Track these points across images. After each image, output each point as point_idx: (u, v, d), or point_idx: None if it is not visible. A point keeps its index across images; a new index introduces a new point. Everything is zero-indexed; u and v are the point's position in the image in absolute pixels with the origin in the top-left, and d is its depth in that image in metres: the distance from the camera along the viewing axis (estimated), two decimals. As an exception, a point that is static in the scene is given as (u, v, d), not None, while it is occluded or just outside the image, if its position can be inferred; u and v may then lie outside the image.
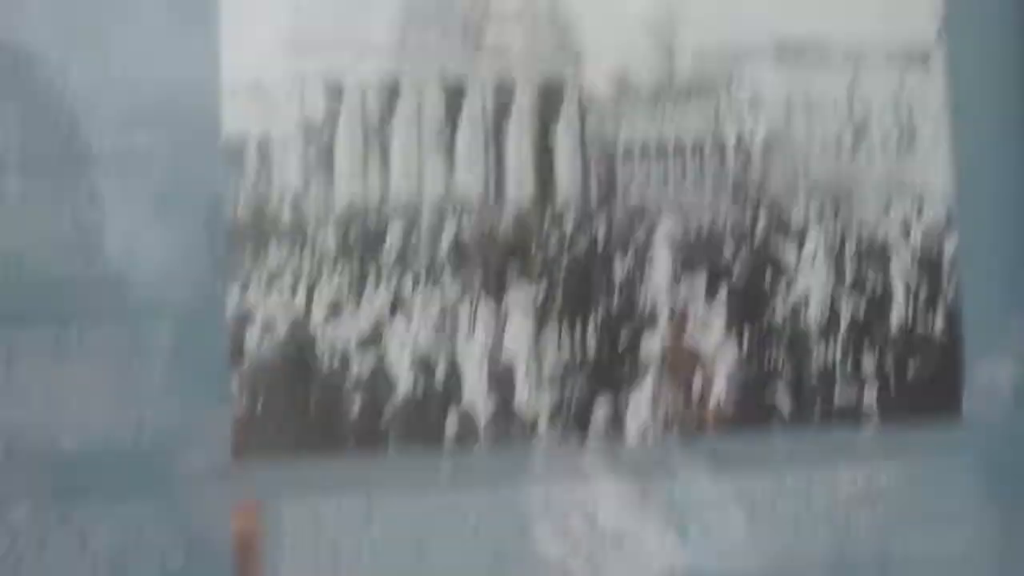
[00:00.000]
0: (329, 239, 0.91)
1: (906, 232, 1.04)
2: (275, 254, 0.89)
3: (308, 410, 0.88)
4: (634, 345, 0.96)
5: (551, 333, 0.95)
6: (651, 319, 0.97)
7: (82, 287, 0.87)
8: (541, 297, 0.95)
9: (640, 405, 0.95)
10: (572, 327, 0.96)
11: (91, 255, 0.88)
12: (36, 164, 0.85)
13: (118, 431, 0.83)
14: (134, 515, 0.82)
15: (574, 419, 0.94)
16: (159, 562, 0.82)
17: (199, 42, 0.88)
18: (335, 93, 0.94)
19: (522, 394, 0.93)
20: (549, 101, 0.99)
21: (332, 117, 0.94)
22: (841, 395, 0.99)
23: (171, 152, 0.85)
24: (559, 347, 0.95)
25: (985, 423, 1.03)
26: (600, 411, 0.94)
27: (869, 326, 1.02)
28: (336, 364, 0.90)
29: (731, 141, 1.01)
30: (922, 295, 1.03)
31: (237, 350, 0.87)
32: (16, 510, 0.80)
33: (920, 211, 1.04)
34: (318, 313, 0.90)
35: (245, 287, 0.87)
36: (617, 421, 0.94)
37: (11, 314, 0.82)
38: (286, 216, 0.91)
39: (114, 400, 0.87)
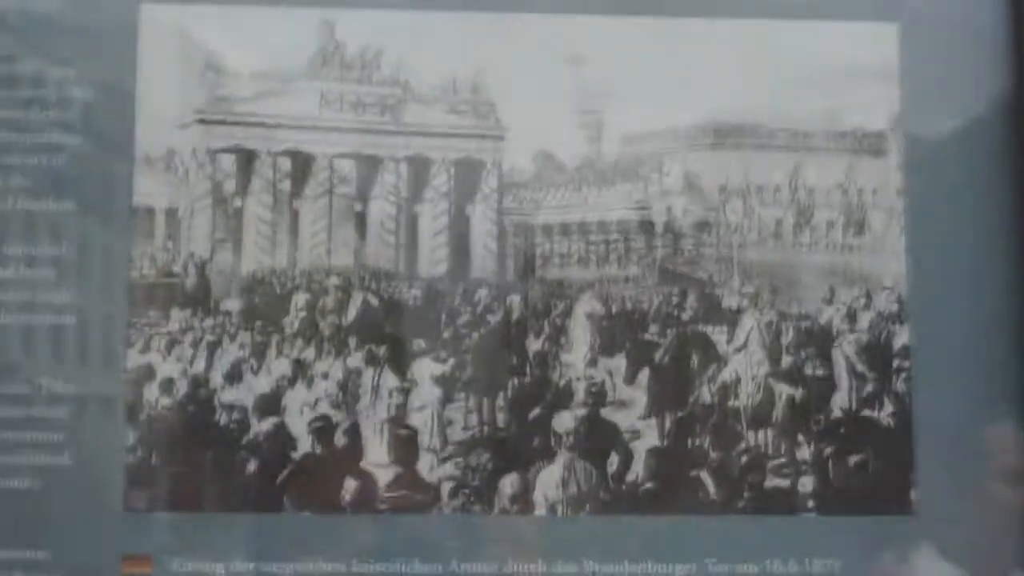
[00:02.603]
0: (233, 305, 1.59)
1: (852, 320, 1.63)
2: (177, 317, 1.55)
3: (203, 468, 1.51)
4: (546, 421, 1.56)
5: (459, 404, 1.58)
6: (566, 395, 1.58)
7: None
8: (449, 369, 1.57)
9: (550, 481, 1.53)
10: (481, 400, 1.58)
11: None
12: None
13: (13, 477, 1.49)
14: (24, 561, 1.46)
15: (479, 491, 1.53)
16: None
17: (115, 111, 1.57)
18: (247, 164, 1.63)
19: (427, 463, 1.54)
20: (467, 178, 1.65)
21: (243, 187, 1.62)
22: (774, 482, 1.56)
23: (80, 217, 1.54)
24: (467, 418, 1.57)
25: (940, 515, 1.56)
26: (507, 484, 1.53)
27: (807, 413, 1.59)
28: (234, 425, 1.54)
29: (660, 221, 1.62)
30: (869, 386, 1.61)
31: (135, 407, 1.51)
32: None
33: (868, 299, 1.63)
34: (218, 375, 1.56)
35: (146, 347, 1.53)
36: (525, 496, 1.53)
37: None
38: (190, 282, 1.57)
39: (11, 446, 1.49)
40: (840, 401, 1.65)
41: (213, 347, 1.57)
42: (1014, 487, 1.59)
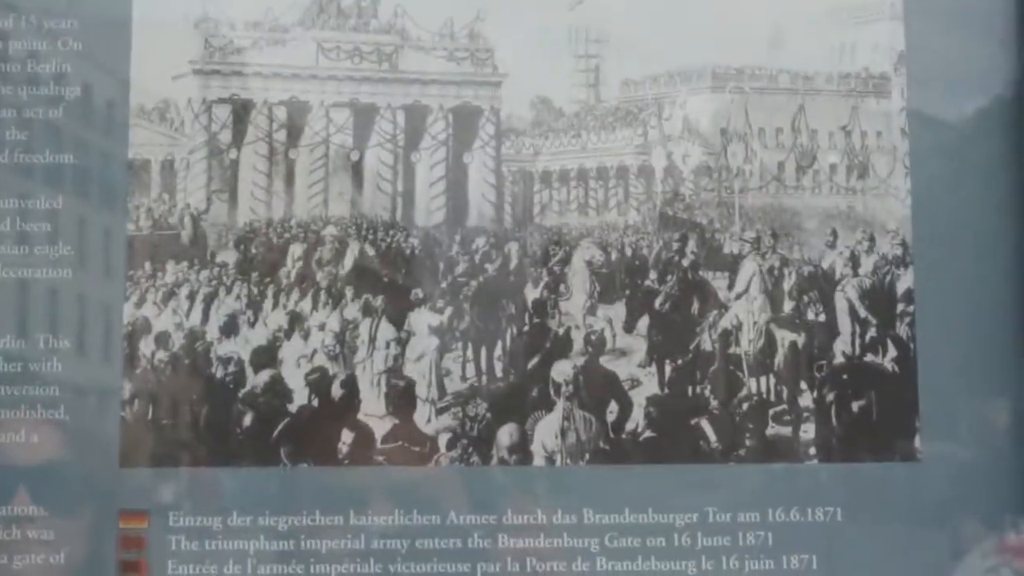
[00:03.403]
0: (229, 257, 1.55)
1: (854, 264, 1.59)
2: (173, 269, 1.52)
3: (199, 421, 1.49)
4: (545, 370, 1.53)
5: (456, 354, 1.54)
6: (565, 344, 1.55)
7: None
8: (446, 319, 1.54)
9: (549, 431, 1.51)
10: (479, 350, 1.54)
11: None
12: None
13: (8, 431, 1.45)
14: (20, 517, 1.43)
15: (477, 442, 1.50)
16: (43, 561, 1.42)
17: (109, 64, 1.54)
18: (242, 115, 1.58)
19: (423, 414, 1.52)
20: (465, 125, 1.61)
21: (238, 138, 1.58)
22: (775, 429, 1.54)
23: (76, 169, 1.51)
24: (463, 368, 1.54)
25: (945, 461, 1.55)
26: (505, 435, 1.50)
27: (809, 359, 1.56)
28: (230, 378, 1.50)
29: (660, 166, 1.59)
30: (872, 330, 1.58)
31: (131, 360, 1.48)
32: None
33: (872, 243, 1.60)
34: (214, 328, 1.52)
35: (142, 300, 1.50)
36: (523, 446, 1.50)
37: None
38: (186, 232, 1.54)
39: (6, 401, 1.46)
40: (842, 346, 1.62)
41: (209, 299, 1.55)
42: None
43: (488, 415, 1.55)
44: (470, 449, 1.55)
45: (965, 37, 1.66)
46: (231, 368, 1.54)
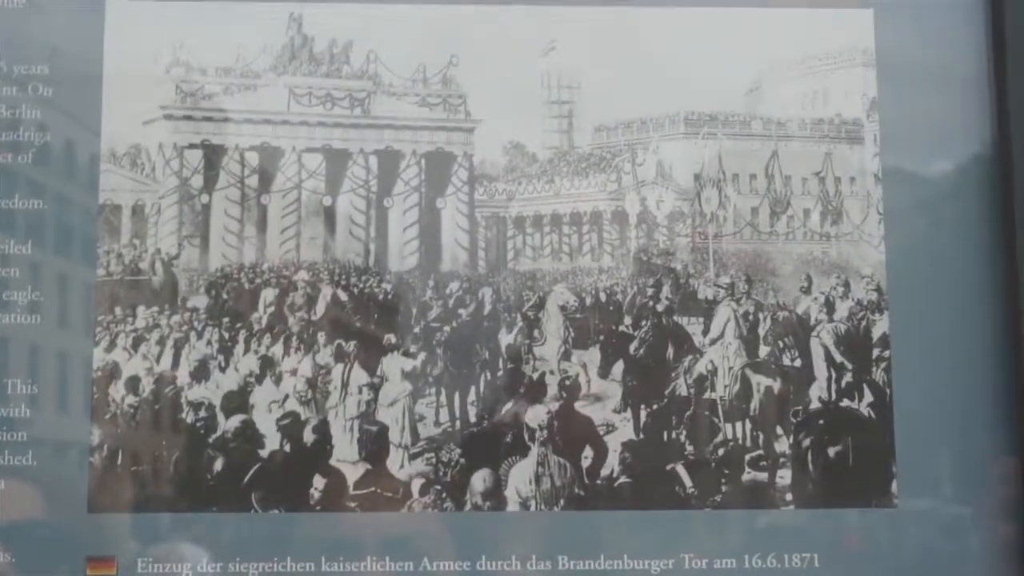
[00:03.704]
0: (200, 302, 1.55)
1: (830, 309, 1.60)
2: (144, 314, 1.53)
3: (169, 467, 1.48)
4: (519, 415, 1.53)
5: (430, 399, 1.55)
6: (539, 389, 1.55)
7: None
8: (420, 364, 1.55)
9: (523, 476, 1.51)
10: (453, 395, 1.55)
11: None
12: None
13: None
14: None
15: (450, 487, 1.51)
16: None
17: (80, 109, 1.55)
18: (214, 160, 1.59)
19: (396, 459, 1.53)
20: (438, 171, 1.62)
21: (210, 183, 1.59)
22: (751, 475, 1.53)
23: (47, 215, 1.52)
24: (438, 413, 1.55)
25: (920, 505, 1.55)
26: (479, 480, 1.50)
27: (785, 404, 1.57)
28: (200, 423, 1.51)
29: (634, 212, 1.60)
30: (847, 376, 1.58)
31: (100, 405, 1.48)
32: None
33: (846, 288, 1.61)
34: (184, 373, 1.52)
35: (112, 345, 1.50)
36: (497, 492, 1.50)
37: None
38: (157, 278, 1.54)
39: None
40: (818, 392, 1.63)
41: (180, 344, 1.55)
42: None
43: (462, 460, 1.55)
44: (443, 495, 1.55)
45: (937, 84, 1.69)
46: (202, 413, 1.54)
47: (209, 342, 1.56)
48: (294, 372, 1.57)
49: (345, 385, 1.57)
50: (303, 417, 1.55)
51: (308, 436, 1.55)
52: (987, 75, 1.66)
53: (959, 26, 1.66)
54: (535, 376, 1.60)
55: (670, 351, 1.63)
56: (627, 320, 1.63)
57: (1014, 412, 1.59)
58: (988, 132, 1.65)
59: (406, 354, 1.58)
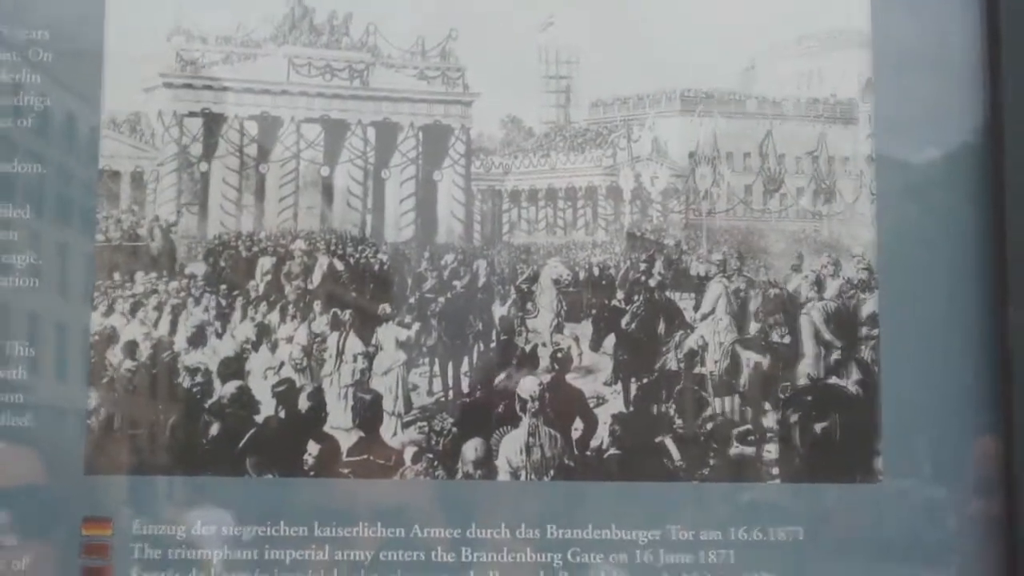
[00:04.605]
0: (198, 269, 1.57)
1: (820, 288, 1.62)
2: (142, 280, 1.55)
3: (165, 431, 1.51)
4: (511, 386, 1.56)
5: (424, 368, 1.57)
6: (531, 361, 1.58)
7: None
8: (414, 334, 1.57)
9: (514, 446, 1.54)
10: (447, 365, 1.58)
11: None
12: None
13: None
14: None
15: (442, 456, 1.53)
16: (6, 566, 1.43)
17: (80, 75, 1.56)
18: (213, 129, 1.61)
19: (389, 427, 1.55)
20: (435, 143, 1.64)
21: (209, 151, 1.61)
22: (738, 449, 1.55)
23: (47, 180, 1.54)
24: (432, 383, 1.57)
25: (904, 480, 1.57)
26: (470, 450, 1.53)
27: (773, 380, 1.59)
28: (197, 388, 1.53)
29: (628, 187, 1.63)
30: (836, 353, 1.60)
31: (97, 369, 1.51)
32: None
33: (837, 267, 1.63)
34: (181, 338, 1.54)
35: (110, 310, 1.52)
36: (488, 461, 1.53)
37: None
38: (156, 244, 1.57)
39: None
40: (806, 368, 1.65)
41: (177, 310, 1.57)
42: None
43: (454, 429, 1.58)
44: (435, 463, 1.57)
45: (932, 68, 1.70)
46: (198, 378, 1.56)
47: (206, 308, 1.58)
48: (290, 340, 1.58)
49: (340, 353, 1.58)
50: (298, 384, 1.57)
51: (303, 403, 1.56)
52: (981, 61, 1.67)
53: (955, 11, 1.68)
54: (527, 348, 1.62)
55: (661, 326, 1.65)
56: (619, 294, 1.65)
57: (998, 394, 1.61)
58: (981, 118, 1.66)
59: (401, 324, 1.60)
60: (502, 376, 1.60)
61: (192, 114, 1.61)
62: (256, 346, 1.57)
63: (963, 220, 1.65)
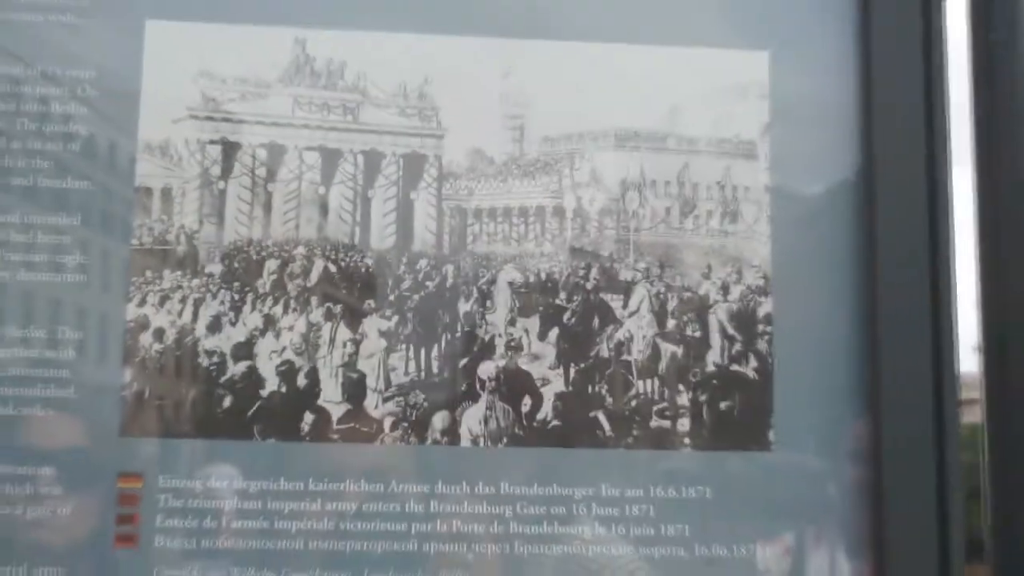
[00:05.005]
0: (215, 269, 1.63)
1: (725, 292, 1.68)
2: (169, 277, 1.60)
3: (187, 402, 1.57)
4: (472, 369, 1.62)
5: (401, 354, 1.63)
6: (489, 348, 1.64)
7: (11, 293, 1.61)
8: (393, 325, 1.63)
9: (474, 418, 1.61)
10: (419, 351, 1.63)
11: (21, 269, 1.59)
12: None
13: (26, 406, 1.54)
14: (34, 476, 1.52)
15: (415, 425, 1.60)
16: (52, 513, 1.51)
17: (121, 108, 1.63)
18: (230, 154, 1.66)
19: (372, 401, 1.61)
20: (412, 169, 1.68)
21: (226, 173, 1.65)
22: (657, 422, 1.63)
23: (91, 195, 1.60)
24: (406, 365, 1.62)
25: (791, 450, 1.66)
26: (438, 420, 1.60)
27: (686, 367, 1.66)
28: (213, 367, 1.59)
29: (571, 208, 1.67)
30: (737, 345, 1.68)
31: (131, 350, 1.56)
32: None
33: (739, 275, 1.70)
34: (201, 326, 1.60)
35: (143, 302, 1.58)
36: (453, 430, 1.60)
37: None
38: (181, 249, 1.61)
39: (27, 380, 1.54)
40: (713, 357, 1.73)
41: (198, 303, 1.62)
42: None
43: (425, 404, 1.65)
44: (409, 431, 1.64)
45: (817, 114, 1.80)
46: (214, 359, 1.62)
47: (222, 302, 1.63)
48: (291, 328, 1.63)
49: (332, 340, 1.64)
50: (297, 365, 1.63)
51: (301, 380, 1.62)
52: (857, 112, 1.77)
53: (834, 68, 1.76)
54: (486, 338, 1.68)
55: (596, 321, 1.71)
56: (562, 295, 1.71)
57: (867, 383, 1.71)
58: (856, 157, 1.76)
59: (382, 317, 1.66)
60: (465, 360, 1.67)
61: (212, 142, 1.66)
62: (263, 333, 1.62)
63: (841, 240, 1.74)
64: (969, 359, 1.70)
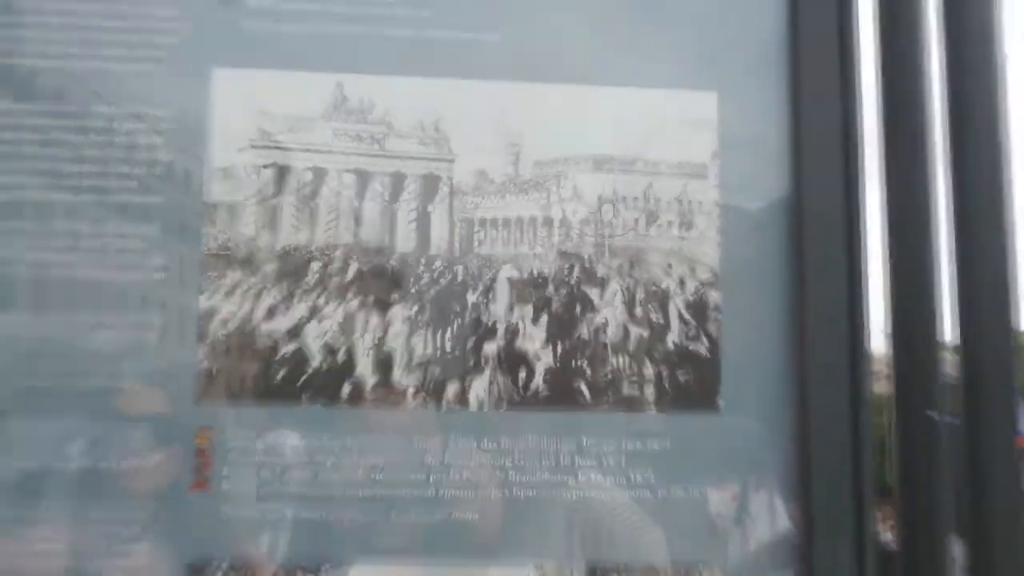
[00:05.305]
0: (270, 268, 1.74)
1: (682, 286, 1.79)
2: (232, 276, 1.71)
3: (248, 375, 1.68)
4: (478, 348, 1.73)
5: (420, 336, 1.74)
6: (492, 332, 1.75)
7: (107, 288, 1.80)
8: (414, 314, 1.75)
9: (480, 388, 1.72)
10: (436, 334, 1.74)
11: (115, 270, 1.76)
12: (92, 209, 1.71)
13: (121, 379, 1.67)
14: (129, 434, 1.64)
15: (432, 394, 1.72)
16: (142, 463, 1.62)
17: (195, 139, 1.75)
18: (281, 177, 1.77)
19: (398, 374, 1.72)
20: (430, 188, 1.78)
21: (279, 190, 1.76)
22: (628, 390, 1.75)
23: (171, 207, 1.72)
24: (425, 345, 1.73)
25: (736, 413, 1.79)
26: (451, 390, 1.72)
27: (651, 346, 1.76)
28: (269, 347, 1.70)
29: (557, 218, 1.78)
30: (691, 329, 1.79)
31: (203, 334, 1.68)
32: (47, 421, 1.64)
33: (693, 272, 1.81)
34: (259, 314, 1.71)
35: (212, 295, 1.69)
36: (463, 397, 1.71)
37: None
38: (242, 252, 1.72)
39: (122, 357, 1.67)
40: (672, 338, 1.85)
41: (256, 296, 1.73)
42: None
43: (440, 376, 1.77)
44: (427, 398, 1.76)
45: (756, 144, 1.92)
46: (270, 341, 1.74)
47: (275, 295, 1.74)
48: (331, 316, 1.75)
49: (365, 325, 1.75)
50: (337, 345, 1.74)
51: (340, 357, 1.73)
52: (788, 140, 1.90)
53: (770, 107, 1.90)
54: (489, 323, 1.80)
55: (578, 309, 1.83)
56: (551, 288, 1.82)
57: (797, 358, 1.84)
58: (787, 178, 1.89)
59: (405, 306, 1.77)
60: (472, 341, 1.78)
61: (267, 166, 1.77)
62: (308, 320, 1.73)
63: (775, 245, 1.87)
64: (878, 340, 1.79)
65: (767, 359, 1.86)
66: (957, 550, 1.67)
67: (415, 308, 1.81)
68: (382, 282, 1.80)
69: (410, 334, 1.79)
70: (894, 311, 1.77)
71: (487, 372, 1.79)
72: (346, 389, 1.75)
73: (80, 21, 1.78)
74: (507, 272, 1.84)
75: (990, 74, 1.73)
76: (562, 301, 1.85)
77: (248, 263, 1.78)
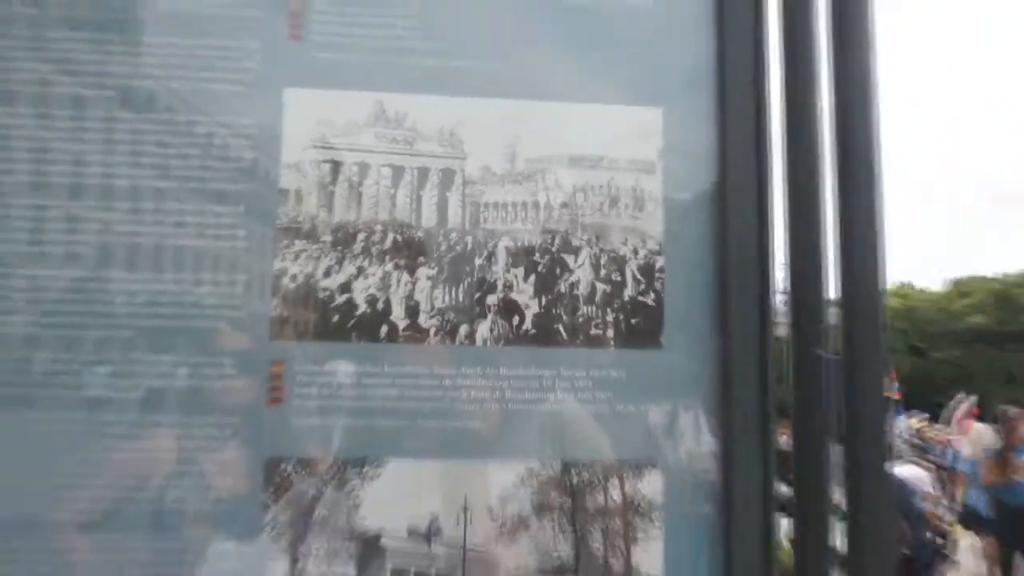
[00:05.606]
0: (327, 239, 1.82)
1: (635, 253, 1.84)
2: (298, 244, 1.74)
3: (314, 320, 1.72)
4: (483, 299, 1.78)
5: (440, 290, 1.78)
6: (492, 287, 1.80)
7: (206, 254, 1.93)
8: (435, 273, 1.80)
9: (484, 329, 1.79)
10: (451, 288, 1.78)
11: (212, 240, 1.92)
12: (171, 193, 1.76)
13: (206, 320, 1.74)
14: (221, 363, 1.73)
15: (448, 333, 1.77)
16: (229, 385, 1.70)
17: (270, 143, 1.80)
18: (336, 169, 1.82)
19: (423, 318, 1.79)
20: (447, 178, 1.81)
21: (334, 180, 1.79)
22: (594, 331, 1.81)
23: (253, 194, 1.77)
24: (444, 297, 1.78)
25: (674, 350, 1.86)
26: (462, 331, 1.77)
27: (612, 299, 1.82)
28: (326, 298, 1.74)
29: (543, 202, 1.88)
30: (642, 285, 1.85)
31: (276, 288, 1.72)
32: (161, 353, 1.71)
33: (644, 243, 1.86)
34: (319, 273, 1.76)
35: (284, 258, 1.73)
36: (471, 336, 1.77)
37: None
38: (307, 227, 1.78)
39: (213, 307, 1.77)
40: (628, 293, 1.92)
41: (316, 259, 1.77)
42: None
43: (455, 320, 1.83)
44: (445, 337, 1.82)
45: (689, 148, 1.99)
46: (327, 294, 1.78)
47: (331, 259, 1.78)
48: (373, 275, 1.80)
49: (398, 281, 1.80)
50: (377, 296, 1.79)
51: (380, 306, 1.78)
52: (715, 147, 1.98)
53: (703, 119, 1.97)
54: (491, 280, 1.85)
55: (558, 270, 1.89)
56: (537, 255, 1.86)
57: (719, 310, 1.91)
58: (715, 175, 1.96)
59: (428, 268, 1.82)
60: (478, 294, 1.85)
61: (325, 162, 1.80)
62: (356, 277, 1.78)
63: (706, 225, 1.94)
64: (780, 296, 1.86)
65: (698, 309, 1.93)
66: (835, 452, 1.78)
67: (436, 269, 1.87)
68: (411, 249, 1.85)
69: (432, 288, 1.85)
70: (791, 273, 1.84)
71: (489, 317, 1.85)
72: (384, 330, 1.81)
73: (184, 52, 1.81)
74: (505, 243, 1.90)
75: (866, 100, 1.81)
76: (546, 264, 1.91)
77: (310, 235, 1.82)
